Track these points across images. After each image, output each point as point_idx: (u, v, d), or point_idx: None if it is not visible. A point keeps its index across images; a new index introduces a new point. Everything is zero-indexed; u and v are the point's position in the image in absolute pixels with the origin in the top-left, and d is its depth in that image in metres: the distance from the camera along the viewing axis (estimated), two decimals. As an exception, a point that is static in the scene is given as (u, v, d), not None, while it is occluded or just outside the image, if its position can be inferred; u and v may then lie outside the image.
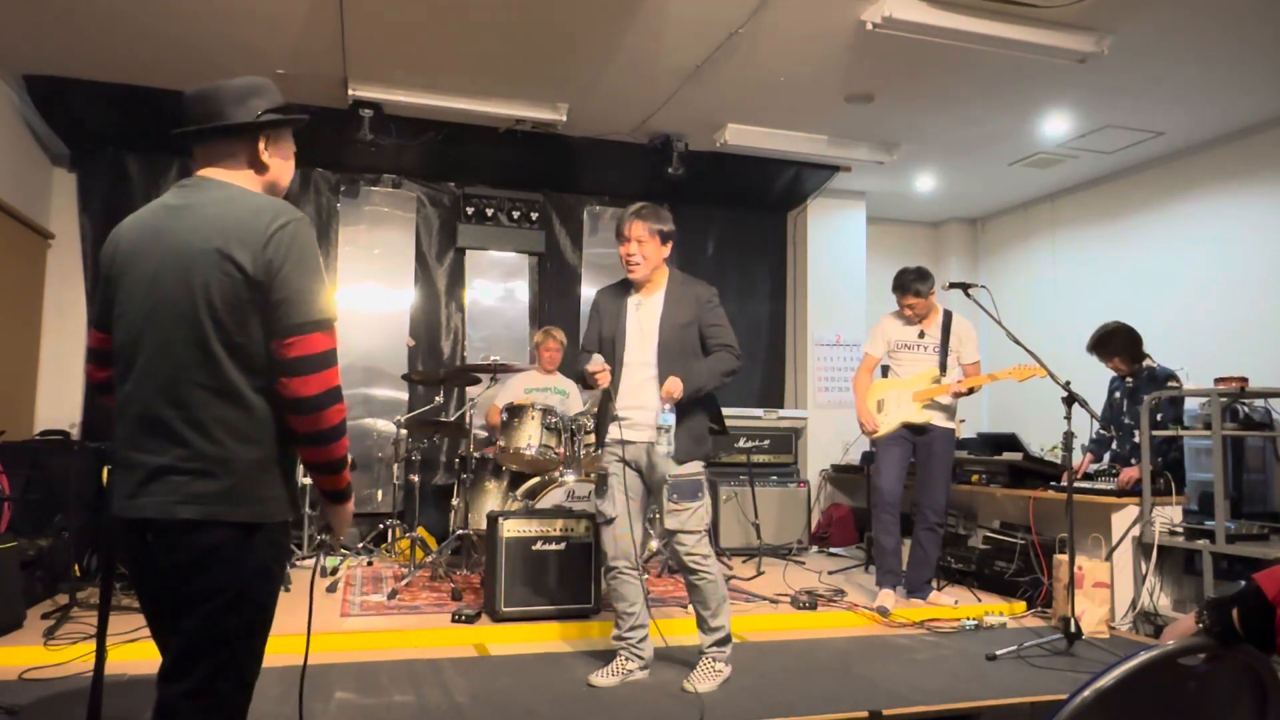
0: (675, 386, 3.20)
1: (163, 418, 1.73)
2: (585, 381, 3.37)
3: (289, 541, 2.01)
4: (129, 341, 1.79)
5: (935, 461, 4.67)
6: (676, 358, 3.33)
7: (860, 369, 4.94)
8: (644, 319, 3.41)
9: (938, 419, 4.68)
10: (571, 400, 5.76)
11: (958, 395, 4.69)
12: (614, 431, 3.36)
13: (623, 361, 3.39)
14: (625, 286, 3.51)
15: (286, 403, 1.76)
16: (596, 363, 3.31)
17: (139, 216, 1.88)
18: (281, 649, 3.52)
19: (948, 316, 4.79)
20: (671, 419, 3.19)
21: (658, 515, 3.49)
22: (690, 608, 3.48)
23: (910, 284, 4.67)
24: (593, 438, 4.87)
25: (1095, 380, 5.14)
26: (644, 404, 3.31)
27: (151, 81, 5.34)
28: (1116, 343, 4.90)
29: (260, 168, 1.91)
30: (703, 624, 3.40)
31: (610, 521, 3.38)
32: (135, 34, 4.73)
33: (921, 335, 4.75)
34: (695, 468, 3.34)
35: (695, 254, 7.14)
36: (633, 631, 3.41)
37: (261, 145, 1.90)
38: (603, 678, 3.34)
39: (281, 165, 1.96)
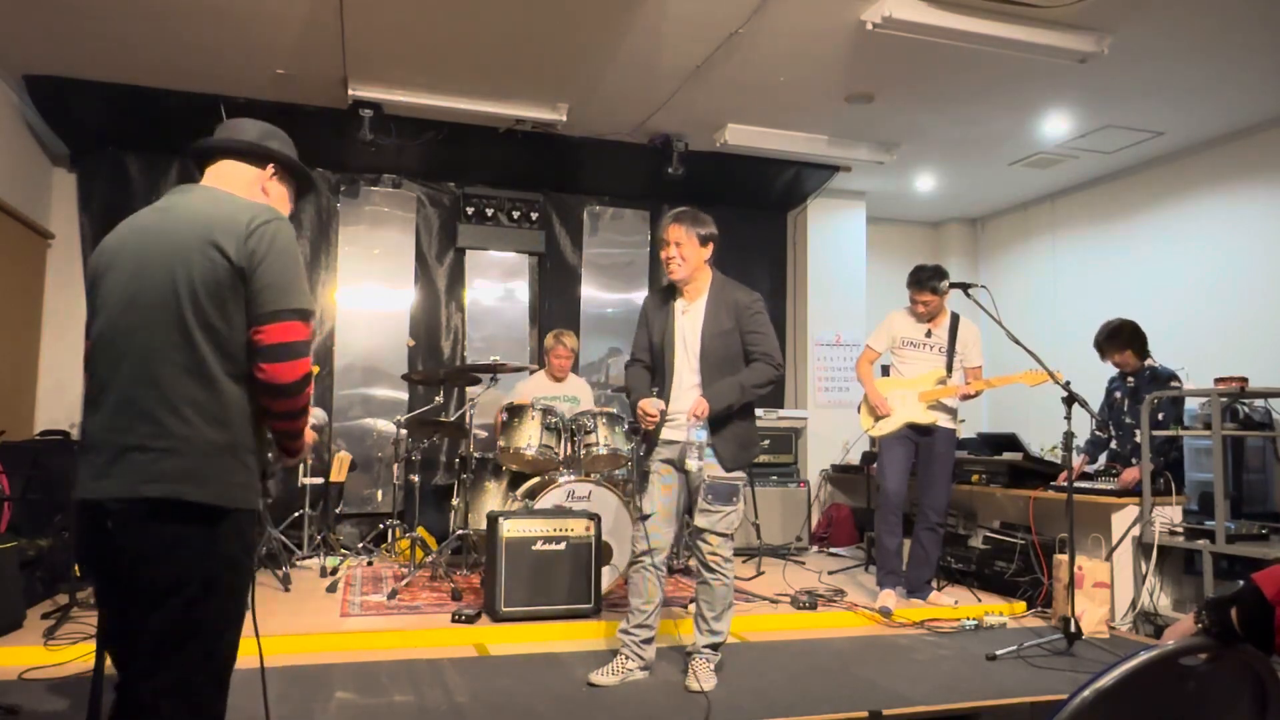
0: (700, 407, 3.26)
1: (135, 396, 1.77)
2: (635, 423, 3.51)
3: (254, 532, 2.04)
4: (107, 328, 1.84)
5: (938, 461, 4.67)
6: (718, 366, 3.36)
7: (861, 359, 4.93)
8: (688, 326, 3.45)
9: (942, 419, 4.67)
10: (584, 406, 5.60)
11: (966, 398, 4.69)
12: (664, 432, 3.41)
13: (672, 368, 3.44)
14: (671, 292, 3.54)
15: (263, 386, 1.83)
16: (651, 405, 3.37)
17: (126, 222, 1.96)
18: (281, 649, 3.54)
19: (955, 318, 4.78)
20: (704, 435, 3.25)
21: (689, 515, 3.53)
22: (691, 607, 3.49)
23: (927, 280, 4.67)
24: (592, 438, 4.93)
25: (1095, 381, 5.14)
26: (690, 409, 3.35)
27: (151, 81, 5.34)
28: (1125, 336, 4.88)
29: (260, 195, 2.03)
30: (703, 624, 3.40)
31: (647, 518, 3.42)
32: (135, 34, 4.72)
33: (929, 334, 4.75)
34: (736, 473, 3.38)
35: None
36: (640, 629, 3.41)
37: (269, 171, 2.05)
38: (603, 676, 3.34)
39: (278, 202, 2.08)
